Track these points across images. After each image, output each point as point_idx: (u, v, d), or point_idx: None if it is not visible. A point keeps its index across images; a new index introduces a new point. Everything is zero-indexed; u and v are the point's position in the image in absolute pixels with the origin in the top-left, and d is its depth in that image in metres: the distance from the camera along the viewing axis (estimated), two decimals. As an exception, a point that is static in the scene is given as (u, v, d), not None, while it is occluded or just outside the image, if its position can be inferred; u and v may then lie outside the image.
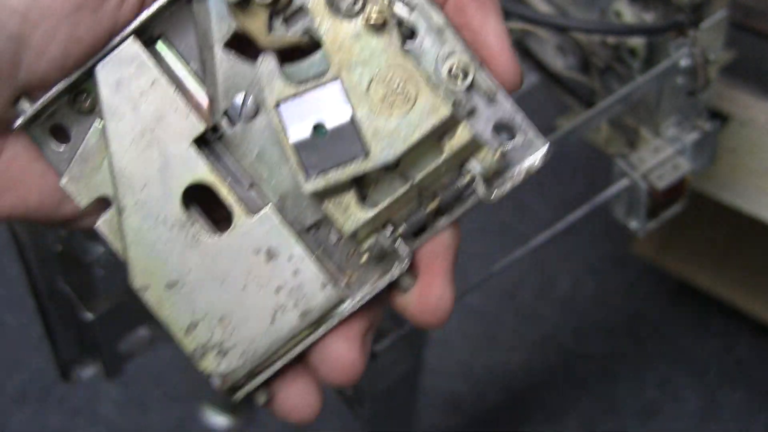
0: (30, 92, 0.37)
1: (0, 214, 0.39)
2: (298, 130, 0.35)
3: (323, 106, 0.35)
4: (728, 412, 1.36)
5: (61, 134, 0.38)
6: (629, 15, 0.71)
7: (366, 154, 0.35)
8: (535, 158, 0.36)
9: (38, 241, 0.70)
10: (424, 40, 0.35)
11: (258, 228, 0.36)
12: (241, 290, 0.37)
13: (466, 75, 0.35)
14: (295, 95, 0.35)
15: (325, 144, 0.35)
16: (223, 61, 0.36)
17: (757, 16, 0.82)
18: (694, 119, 0.72)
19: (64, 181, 0.39)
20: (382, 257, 0.37)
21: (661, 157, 0.72)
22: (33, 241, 0.69)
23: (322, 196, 0.36)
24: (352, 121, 0.35)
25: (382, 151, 0.35)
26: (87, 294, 0.73)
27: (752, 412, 1.37)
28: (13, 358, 1.39)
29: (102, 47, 0.36)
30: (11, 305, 1.42)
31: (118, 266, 0.70)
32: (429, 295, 0.37)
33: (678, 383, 1.39)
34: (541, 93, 0.78)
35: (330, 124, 0.35)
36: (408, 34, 0.36)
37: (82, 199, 0.39)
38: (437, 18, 0.35)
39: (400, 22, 0.35)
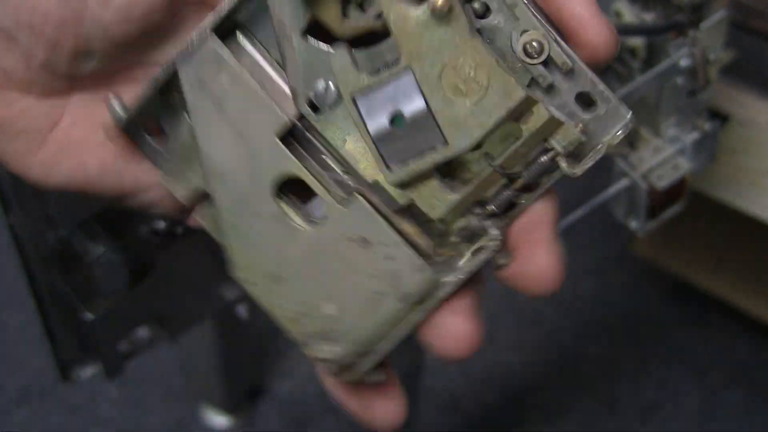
0: (93, 44, 0.36)
1: (57, 180, 0.38)
2: (376, 122, 0.35)
3: (398, 97, 0.35)
4: (728, 412, 1.36)
5: (155, 128, 0.39)
6: (629, 15, 0.71)
7: (444, 141, 0.35)
8: (616, 129, 0.36)
9: (38, 241, 0.70)
10: (498, 18, 0.35)
11: (349, 217, 0.36)
12: (340, 279, 0.37)
13: (541, 51, 0.34)
14: (369, 87, 0.35)
15: (404, 134, 0.35)
16: (302, 49, 0.35)
17: (757, 16, 0.82)
18: (694, 119, 0.72)
19: (161, 174, 0.39)
20: (473, 237, 0.37)
21: (661, 157, 0.72)
22: (33, 241, 0.69)
23: (407, 184, 0.36)
24: (428, 110, 0.35)
25: (460, 138, 0.35)
26: (87, 294, 0.73)
27: (752, 412, 1.37)
28: (13, 358, 1.39)
29: (168, 11, 0.36)
30: (11, 305, 1.43)
31: (118, 266, 0.70)
32: (531, 266, 0.37)
33: (678, 383, 1.39)
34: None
35: (407, 114, 0.35)
36: (481, 11, 0.35)
37: (181, 192, 0.39)
38: None
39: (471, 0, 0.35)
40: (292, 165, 0.36)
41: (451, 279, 0.37)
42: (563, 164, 0.35)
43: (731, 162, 0.83)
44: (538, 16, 0.35)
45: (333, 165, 0.37)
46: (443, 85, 0.34)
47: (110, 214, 0.69)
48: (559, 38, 0.35)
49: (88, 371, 0.77)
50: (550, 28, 0.35)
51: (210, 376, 1.28)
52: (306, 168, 0.36)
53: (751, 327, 1.41)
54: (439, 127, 0.35)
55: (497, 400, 1.39)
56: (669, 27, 0.70)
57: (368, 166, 0.37)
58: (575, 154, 0.36)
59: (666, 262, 1.34)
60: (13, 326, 1.41)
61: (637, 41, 0.71)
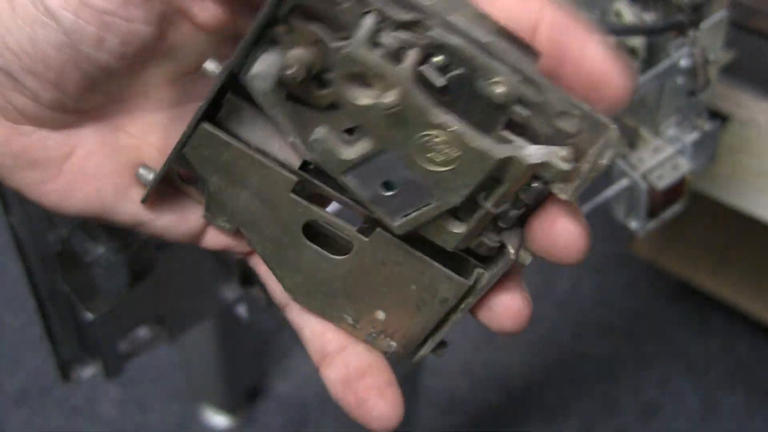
0: (95, 82, 0.38)
1: (73, 207, 0.40)
2: (370, 190, 0.38)
3: (384, 170, 0.37)
4: (728, 412, 1.37)
5: (186, 178, 0.42)
6: (629, 15, 0.71)
7: (436, 199, 0.38)
8: (605, 146, 0.37)
9: (38, 241, 0.70)
10: (461, 69, 0.36)
11: (376, 247, 0.40)
12: (385, 291, 0.41)
13: (510, 93, 0.36)
14: (355, 164, 0.38)
15: (397, 196, 0.38)
16: (288, 113, 0.38)
17: (757, 16, 0.82)
18: (694, 119, 0.72)
19: (205, 215, 0.41)
20: (493, 253, 0.40)
21: (661, 157, 0.72)
22: (33, 241, 0.69)
23: (416, 230, 0.39)
24: (413, 178, 0.37)
25: (449, 197, 0.37)
26: (87, 294, 0.73)
27: (752, 412, 1.37)
28: (13, 358, 1.39)
29: (161, 29, 0.37)
30: (11, 305, 1.43)
31: (118, 266, 0.70)
32: (554, 235, 0.38)
33: (678, 383, 1.39)
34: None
35: (395, 182, 0.38)
36: (445, 64, 0.36)
37: (227, 227, 0.42)
38: (468, 50, 0.35)
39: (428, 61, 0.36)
40: (312, 213, 0.40)
41: (483, 284, 0.40)
42: (556, 190, 0.37)
43: (731, 162, 0.83)
44: (502, 58, 0.35)
45: (347, 201, 0.39)
46: (419, 159, 0.36)
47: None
48: (528, 70, 0.35)
49: (88, 371, 0.77)
50: (517, 66, 0.35)
51: (210, 376, 1.28)
52: (323, 213, 0.40)
53: (751, 327, 1.41)
54: (427, 189, 0.37)
55: (497, 400, 1.39)
56: (669, 27, 0.70)
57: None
58: (568, 178, 0.37)
59: (666, 262, 1.34)
60: (13, 326, 1.41)
61: (637, 41, 0.71)
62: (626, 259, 1.47)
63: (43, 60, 0.37)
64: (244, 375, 1.33)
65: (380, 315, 0.41)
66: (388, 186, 0.38)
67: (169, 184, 0.41)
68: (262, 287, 0.43)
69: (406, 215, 0.38)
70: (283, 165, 0.39)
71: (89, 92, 0.38)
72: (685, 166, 0.72)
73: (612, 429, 1.36)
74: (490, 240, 0.39)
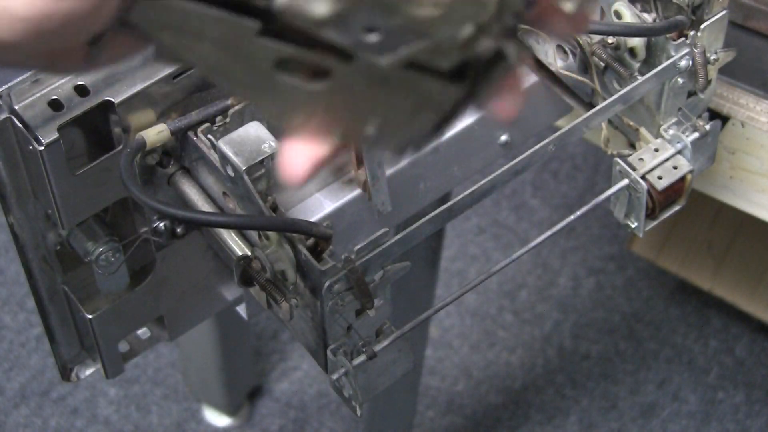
0: None
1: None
2: (349, 38, 0.37)
3: (362, 19, 0.37)
4: (728, 412, 1.37)
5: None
6: (629, 15, 0.71)
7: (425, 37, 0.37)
8: None
9: (38, 241, 0.70)
10: None
11: (359, 70, 0.38)
12: (373, 108, 0.40)
13: None
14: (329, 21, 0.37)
15: (382, 38, 0.37)
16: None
17: (757, 16, 0.82)
18: (694, 119, 0.72)
19: (155, 58, 0.40)
20: (495, 54, 0.39)
21: (661, 157, 0.72)
22: (33, 241, 0.70)
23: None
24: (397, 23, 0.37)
25: (442, 32, 0.37)
26: (87, 294, 0.73)
27: (752, 412, 1.37)
28: (13, 358, 1.39)
29: None
30: (11, 305, 1.43)
31: (118, 266, 0.70)
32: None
33: (678, 383, 1.39)
34: (541, 93, 0.78)
35: (377, 27, 0.37)
36: None
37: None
38: None
39: None
40: (282, 51, 0.38)
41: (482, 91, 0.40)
42: None
43: (731, 162, 0.83)
44: None
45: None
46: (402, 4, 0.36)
47: (110, 214, 0.69)
48: None
49: (88, 371, 0.77)
50: None
51: (210, 376, 1.28)
52: (293, 46, 0.38)
53: (751, 327, 1.41)
54: None
55: (497, 400, 1.39)
56: (669, 27, 0.70)
57: None
58: None
59: (666, 262, 1.34)
60: (13, 326, 1.42)
61: (637, 41, 0.71)
62: (626, 259, 1.47)
63: None
64: (244, 375, 1.33)
65: (370, 129, 0.40)
66: (370, 31, 0.37)
67: None
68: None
69: (393, 52, 0.37)
70: (240, 13, 0.37)
71: None
72: (685, 166, 0.72)
73: (612, 429, 1.36)
74: (486, 44, 0.38)
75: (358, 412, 0.65)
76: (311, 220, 0.68)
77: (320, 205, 0.71)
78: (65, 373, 0.77)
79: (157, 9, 0.37)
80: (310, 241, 0.61)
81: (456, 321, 1.45)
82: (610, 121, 0.76)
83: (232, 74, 0.39)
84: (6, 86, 0.62)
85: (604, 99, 0.72)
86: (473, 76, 0.39)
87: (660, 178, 0.72)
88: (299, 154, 0.41)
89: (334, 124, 0.40)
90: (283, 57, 0.38)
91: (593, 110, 0.69)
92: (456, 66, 0.38)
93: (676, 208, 0.74)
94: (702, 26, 0.70)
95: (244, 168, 0.60)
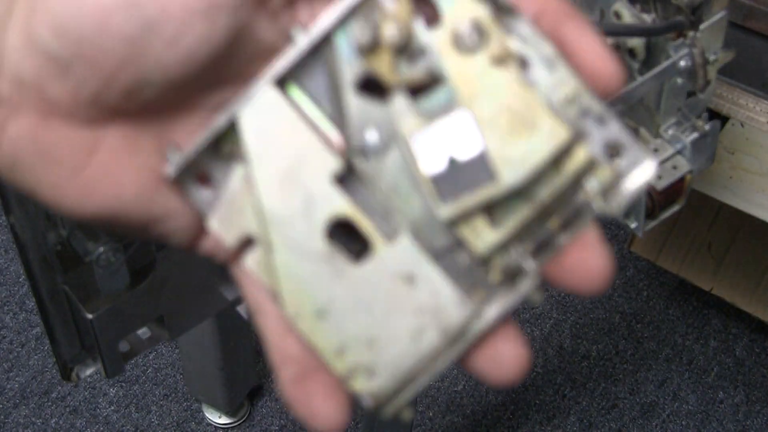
0: (149, 83, 0.36)
1: (91, 208, 0.38)
2: (430, 161, 0.37)
3: (453, 138, 0.37)
4: (728, 412, 1.37)
5: (201, 175, 0.40)
6: (629, 16, 0.71)
7: (496, 179, 0.37)
8: (643, 174, 0.38)
9: (38, 241, 0.70)
10: (537, 71, 0.37)
11: (395, 255, 0.38)
12: (384, 314, 0.39)
13: (577, 101, 0.37)
14: (426, 128, 0.37)
15: (457, 173, 0.37)
16: (354, 101, 0.38)
17: (757, 17, 0.82)
18: (694, 119, 0.72)
19: (213, 223, 0.40)
20: (512, 275, 0.39)
21: (660, 157, 0.72)
22: (33, 241, 0.70)
23: (455, 221, 0.38)
24: (482, 150, 0.37)
25: (511, 176, 0.37)
26: (87, 294, 0.73)
27: (752, 412, 1.37)
28: (13, 358, 1.39)
29: (230, 49, 0.37)
30: (11, 305, 1.43)
31: (118, 266, 0.70)
32: (581, 265, 0.38)
33: (678, 383, 1.39)
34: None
35: (461, 154, 0.37)
36: (521, 65, 0.37)
37: (230, 238, 0.40)
38: (548, 49, 0.37)
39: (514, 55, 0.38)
40: (344, 206, 0.38)
41: (492, 314, 0.39)
42: (598, 203, 0.37)
43: (731, 162, 0.83)
44: (572, 68, 0.37)
45: (378, 206, 0.39)
46: (497, 125, 0.37)
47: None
48: (591, 90, 0.37)
49: (88, 371, 0.77)
50: (584, 81, 0.37)
51: (210, 376, 1.28)
52: (356, 210, 0.39)
53: (751, 327, 1.41)
54: (490, 166, 0.37)
55: (497, 400, 1.39)
56: (668, 27, 0.70)
57: (414, 209, 0.39)
58: (606, 196, 0.38)
59: (666, 262, 1.34)
60: (13, 326, 1.42)
61: (636, 42, 0.71)
62: (626, 259, 1.47)
63: (108, 50, 0.35)
64: (244, 375, 1.33)
65: (371, 343, 0.39)
66: (450, 159, 0.37)
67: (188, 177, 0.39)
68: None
69: (456, 198, 0.37)
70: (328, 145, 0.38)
71: (137, 93, 0.36)
72: (684, 166, 0.72)
73: (612, 429, 1.36)
74: (514, 260, 0.38)
75: (359, 413, 0.65)
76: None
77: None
78: (65, 373, 0.77)
79: (271, 114, 0.39)
80: None
81: (456, 321, 1.45)
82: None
83: (284, 232, 0.39)
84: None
85: (604, 99, 0.72)
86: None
87: (659, 178, 0.72)
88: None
89: (338, 327, 0.39)
90: (339, 218, 0.38)
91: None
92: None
93: (676, 208, 0.74)
94: (701, 27, 0.70)
95: None
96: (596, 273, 0.38)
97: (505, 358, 0.39)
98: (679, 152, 0.73)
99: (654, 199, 0.72)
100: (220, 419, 1.36)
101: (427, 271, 0.38)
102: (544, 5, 0.37)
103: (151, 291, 0.73)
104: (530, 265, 0.38)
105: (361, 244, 0.39)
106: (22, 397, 1.36)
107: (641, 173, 0.38)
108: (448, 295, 0.38)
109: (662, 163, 0.72)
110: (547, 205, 0.38)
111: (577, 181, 0.37)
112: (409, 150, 0.37)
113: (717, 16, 0.70)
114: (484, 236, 0.38)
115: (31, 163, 0.37)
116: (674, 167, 0.72)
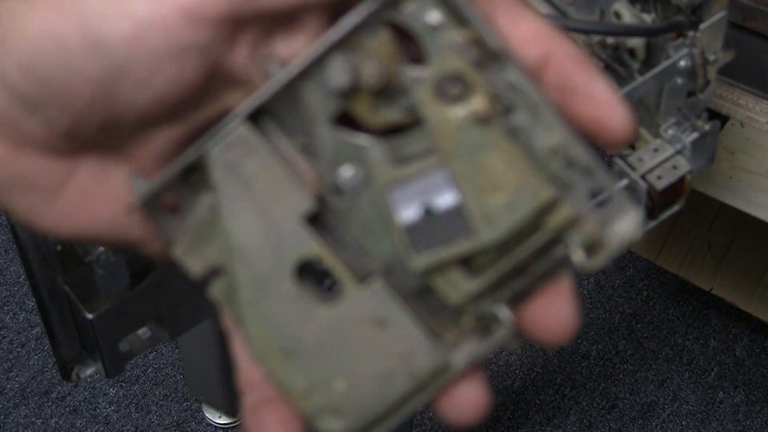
0: (121, 121, 0.36)
1: (68, 232, 0.38)
2: (406, 213, 0.37)
3: (430, 190, 0.36)
4: (728, 412, 1.37)
5: (170, 204, 0.39)
6: (629, 16, 0.71)
7: (472, 234, 0.36)
8: (627, 228, 0.37)
9: (38, 241, 0.70)
10: (522, 118, 0.36)
11: (366, 298, 0.38)
12: (353, 357, 0.38)
13: (562, 151, 0.36)
14: (401, 178, 0.36)
15: (432, 226, 0.36)
16: (330, 136, 0.37)
17: (757, 17, 0.82)
18: (694, 119, 0.72)
19: (177, 251, 0.40)
20: (486, 323, 0.38)
21: (660, 157, 0.72)
22: (33, 241, 0.70)
23: (429, 272, 0.37)
24: (459, 203, 0.36)
25: (488, 232, 0.36)
26: (87, 294, 0.73)
27: (752, 412, 1.37)
28: (13, 358, 1.39)
29: (202, 90, 0.36)
30: (11, 305, 1.43)
31: (118, 266, 0.70)
32: (547, 316, 0.37)
33: (678, 383, 1.39)
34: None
35: (437, 207, 0.36)
36: (505, 109, 0.36)
37: (195, 268, 0.40)
38: (536, 96, 0.36)
39: (498, 99, 0.36)
40: (314, 248, 0.37)
41: (461, 362, 0.38)
42: (581, 258, 0.37)
43: (731, 162, 0.83)
44: (560, 116, 0.36)
45: (350, 245, 0.38)
46: (476, 182, 0.36)
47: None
48: (579, 141, 0.36)
49: (88, 371, 0.77)
50: (571, 131, 0.36)
51: (210, 376, 1.28)
52: (326, 250, 0.38)
53: (751, 327, 1.41)
54: (467, 220, 0.36)
55: (497, 400, 1.39)
56: (669, 28, 0.70)
57: (387, 250, 0.38)
58: (589, 249, 0.37)
59: (666, 262, 1.34)
60: (13, 326, 1.42)
61: (636, 42, 0.72)
62: (626, 259, 1.47)
63: (76, 94, 0.35)
64: (244, 375, 1.33)
65: (339, 385, 0.38)
66: (426, 212, 0.36)
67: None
68: None
69: (430, 249, 0.36)
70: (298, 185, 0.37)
71: (109, 130, 0.36)
72: (684, 166, 0.72)
73: (612, 429, 1.36)
74: (488, 308, 0.37)
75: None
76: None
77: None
78: (65, 373, 0.77)
79: (242, 150, 0.38)
80: None
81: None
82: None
83: (251, 266, 0.39)
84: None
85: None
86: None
87: (659, 178, 0.72)
88: None
89: (305, 368, 0.38)
90: (308, 258, 0.38)
91: (593, 110, 0.69)
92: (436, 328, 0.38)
93: (676, 208, 0.74)
94: (701, 27, 0.70)
95: None
96: (561, 325, 0.37)
97: (465, 402, 0.38)
98: (679, 152, 0.73)
99: (654, 199, 0.72)
100: (220, 419, 1.36)
101: (399, 316, 0.37)
102: (550, 48, 0.36)
103: (151, 291, 0.73)
104: (505, 314, 0.37)
105: (331, 279, 0.38)
106: (22, 397, 1.36)
107: (626, 226, 0.37)
108: (419, 340, 0.37)
109: (662, 163, 0.72)
110: (526, 260, 0.37)
111: (558, 236, 0.37)
112: (383, 198, 0.37)
113: (717, 16, 0.70)
114: (458, 287, 0.37)
115: (5, 189, 0.37)
116: (674, 167, 0.72)
